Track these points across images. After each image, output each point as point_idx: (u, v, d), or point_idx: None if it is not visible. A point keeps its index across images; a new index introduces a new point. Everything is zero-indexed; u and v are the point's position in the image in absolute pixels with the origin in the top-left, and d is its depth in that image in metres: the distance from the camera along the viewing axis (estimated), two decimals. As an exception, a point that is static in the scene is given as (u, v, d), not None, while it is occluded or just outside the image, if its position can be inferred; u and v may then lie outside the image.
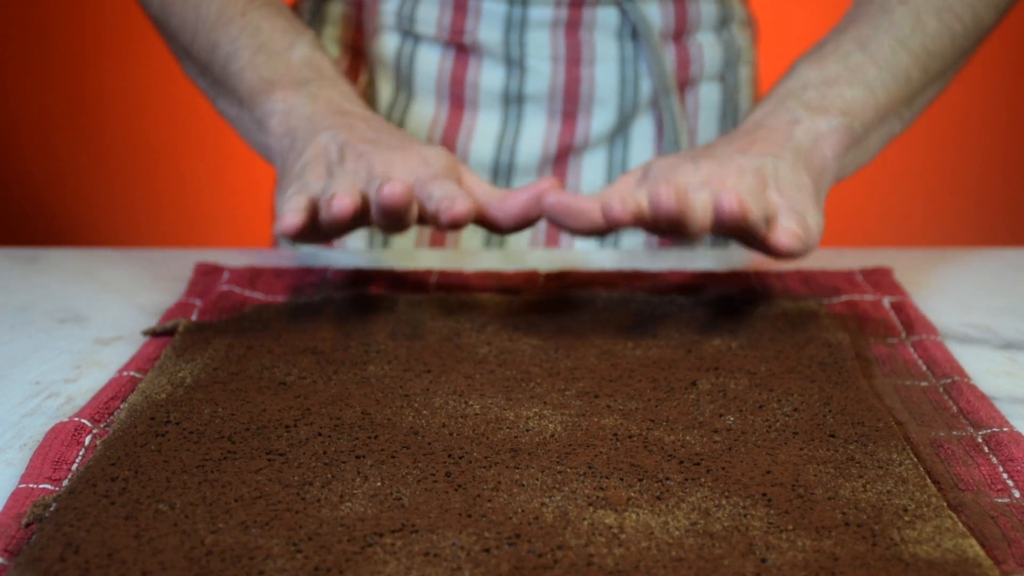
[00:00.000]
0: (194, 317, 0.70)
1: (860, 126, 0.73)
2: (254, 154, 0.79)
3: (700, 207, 0.62)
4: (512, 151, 0.95)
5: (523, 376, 0.58)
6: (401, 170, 0.68)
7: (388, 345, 0.62)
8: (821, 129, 0.72)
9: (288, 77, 0.77)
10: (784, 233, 0.64)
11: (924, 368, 0.62)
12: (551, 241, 0.97)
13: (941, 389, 0.59)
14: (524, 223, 0.68)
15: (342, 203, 0.64)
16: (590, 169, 0.96)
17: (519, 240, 0.97)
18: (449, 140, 0.96)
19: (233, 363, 0.60)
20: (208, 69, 0.81)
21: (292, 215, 0.64)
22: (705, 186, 0.64)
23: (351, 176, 0.67)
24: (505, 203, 0.67)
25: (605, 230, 0.64)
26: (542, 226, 0.97)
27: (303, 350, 0.61)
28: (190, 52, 0.82)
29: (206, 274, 0.77)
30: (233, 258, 0.85)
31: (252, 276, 0.77)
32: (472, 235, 0.98)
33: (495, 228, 0.68)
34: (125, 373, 0.60)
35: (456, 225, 0.65)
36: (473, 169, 0.96)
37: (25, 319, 0.73)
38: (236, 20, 0.79)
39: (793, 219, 0.64)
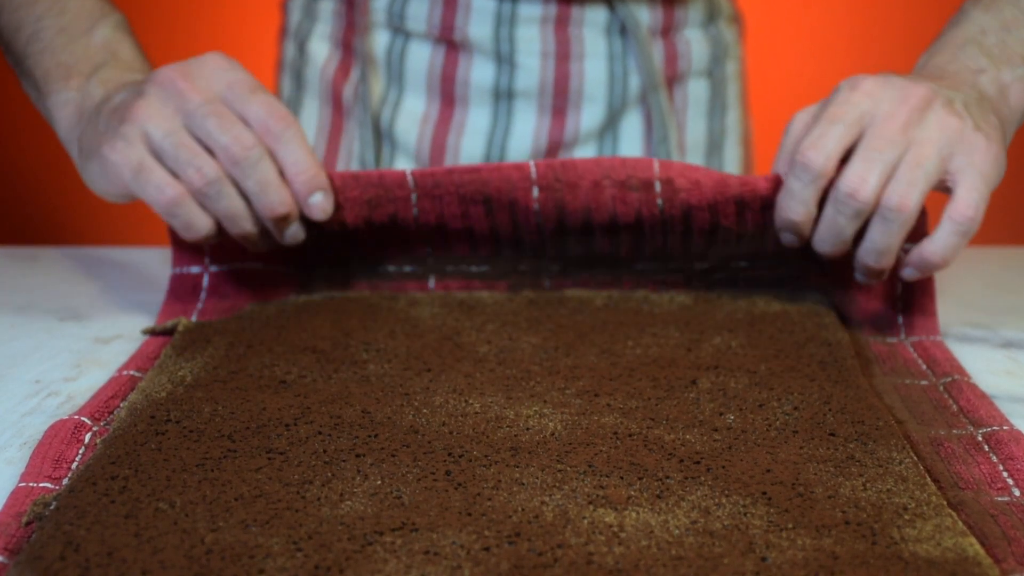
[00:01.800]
0: (194, 317, 0.70)
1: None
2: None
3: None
4: (503, 147, 0.96)
5: (523, 375, 0.58)
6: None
7: (388, 344, 0.62)
8: (1005, 79, 0.69)
9: (84, 62, 0.73)
10: (911, 270, 0.65)
11: (924, 367, 0.62)
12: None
13: (941, 388, 0.59)
14: None
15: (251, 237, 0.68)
16: None
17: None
18: (440, 136, 0.96)
19: (233, 362, 0.59)
20: (11, 49, 0.76)
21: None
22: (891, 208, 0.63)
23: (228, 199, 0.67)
24: None
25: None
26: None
27: (303, 349, 0.61)
28: (1, 34, 0.77)
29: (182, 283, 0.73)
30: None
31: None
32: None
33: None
34: (125, 372, 0.60)
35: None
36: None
37: (25, 318, 0.73)
38: (43, 0, 0.75)
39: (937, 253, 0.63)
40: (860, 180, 0.63)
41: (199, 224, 0.66)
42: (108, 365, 0.64)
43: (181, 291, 0.71)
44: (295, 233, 0.69)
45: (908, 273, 0.65)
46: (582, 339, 0.64)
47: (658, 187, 0.67)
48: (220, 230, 0.68)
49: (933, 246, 0.63)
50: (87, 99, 0.71)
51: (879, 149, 0.63)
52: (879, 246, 0.63)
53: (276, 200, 0.67)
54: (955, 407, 0.56)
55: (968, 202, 0.62)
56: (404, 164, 0.98)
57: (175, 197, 0.66)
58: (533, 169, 0.68)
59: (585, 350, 0.62)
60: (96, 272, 0.83)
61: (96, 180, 0.69)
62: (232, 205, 0.67)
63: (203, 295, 0.71)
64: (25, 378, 0.62)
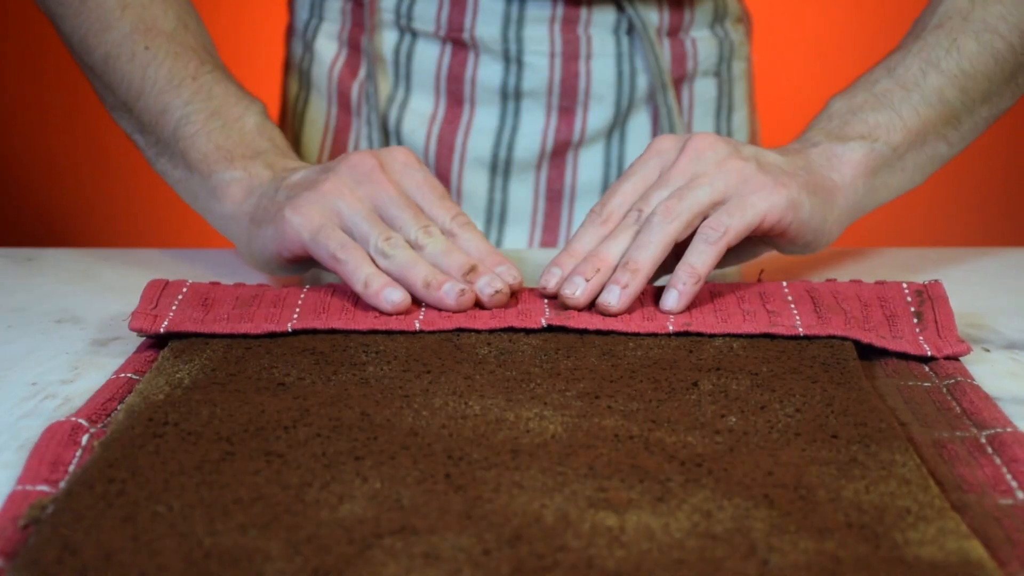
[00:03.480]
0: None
1: (886, 147, 0.74)
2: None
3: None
4: (510, 146, 0.96)
5: (523, 377, 0.58)
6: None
7: (387, 346, 0.62)
8: (837, 151, 0.74)
9: (244, 146, 0.77)
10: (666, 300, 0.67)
11: (927, 368, 0.61)
12: (548, 239, 0.98)
13: (944, 390, 0.58)
14: None
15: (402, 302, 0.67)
16: (587, 164, 0.97)
17: (517, 241, 0.97)
18: (447, 135, 0.96)
19: (231, 364, 0.59)
20: (153, 129, 0.80)
21: (396, 295, 0.67)
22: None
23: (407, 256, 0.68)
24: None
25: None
26: (539, 221, 0.97)
27: (302, 351, 0.61)
28: (133, 109, 0.80)
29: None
30: (229, 259, 0.85)
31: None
32: (472, 215, 0.98)
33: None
34: (122, 375, 0.60)
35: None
36: (471, 164, 0.96)
37: (22, 319, 0.73)
38: (188, 84, 0.79)
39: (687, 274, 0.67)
40: (621, 193, 0.71)
41: (366, 267, 0.67)
42: (105, 367, 0.64)
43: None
44: (491, 283, 0.67)
45: (673, 291, 0.67)
46: (582, 341, 0.63)
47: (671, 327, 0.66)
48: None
49: (687, 255, 0.67)
50: (255, 178, 0.75)
51: (657, 187, 0.70)
52: (639, 240, 0.67)
53: (461, 258, 0.68)
54: (958, 409, 0.56)
55: (719, 219, 0.67)
56: None
57: (350, 245, 0.68)
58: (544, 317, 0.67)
59: (586, 352, 0.62)
60: (93, 274, 0.83)
61: (266, 244, 0.72)
62: (414, 256, 0.68)
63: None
64: (22, 380, 0.62)
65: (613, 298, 0.66)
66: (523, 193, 0.97)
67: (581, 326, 0.64)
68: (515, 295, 0.69)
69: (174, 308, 0.67)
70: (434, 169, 0.97)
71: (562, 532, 0.43)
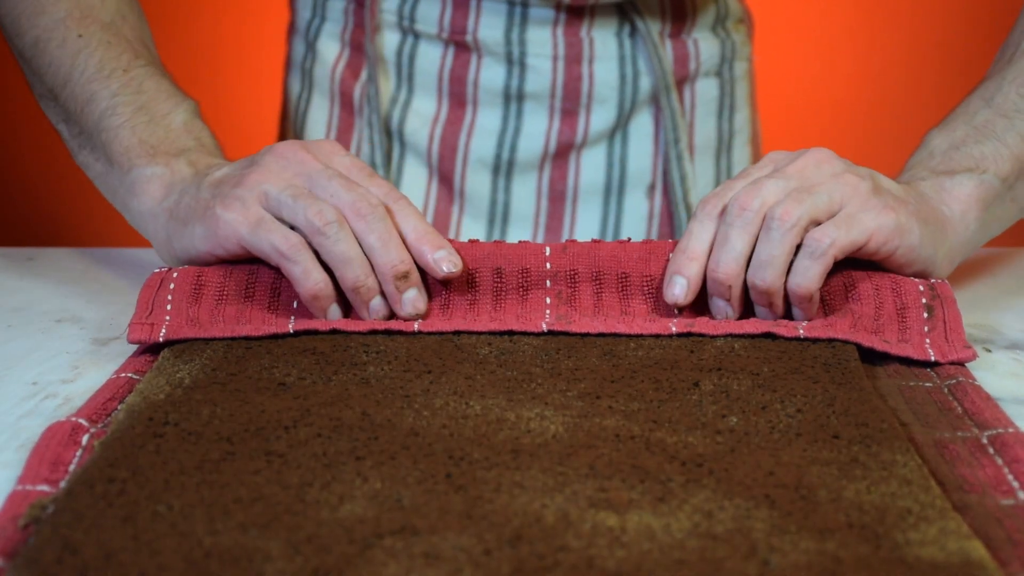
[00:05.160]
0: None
1: (995, 178, 0.72)
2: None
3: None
4: (513, 147, 0.95)
5: (524, 377, 0.58)
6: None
7: (388, 345, 0.62)
8: (946, 184, 0.72)
9: (168, 143, 0.74)
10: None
11: (928, 369, 0.61)
12: (551, 239, 0.98)
13: (946, 390, 0.58)
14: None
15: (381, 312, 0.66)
16: (589, 165, 0.97)
17: (522, 221, 0.98)
18: (450, 136, 0.96)
19: (232, 364, 0.59)
20: (78, 119, 0.77)
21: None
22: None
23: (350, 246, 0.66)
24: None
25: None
26: (542, 222, 0.98)
27: (302, 351, 0.61)
28: (59, 97, 0.78)
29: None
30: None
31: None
32: (473, 230, 0.98)
33: None
34: (123, 374, 0.60)
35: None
36: (474, 165, 0.96)
37: (22, 319, 0.73)
38: (118, 75, 0.76)
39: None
40: (748, 197, 0.66)
41: (315, 274, 0.65)
42: (106, 367, 0.64)
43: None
44: (415, 301, 0.66)
45: (796, 313, 0.66)
46: (583, 341, 0.63)
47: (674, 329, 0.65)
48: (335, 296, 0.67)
49: (792, 276, 0.65)
50: (176, 175, 0.72)
51: (774, 177, 0.67)
52: (761, 256, 0.64)
53: (397, 256, 0.65)
54: (960, 409, 0.56)
55: (824, 231, 0.64)
56: (414, 165, 0.98)
57: (296, 244, 0.65)
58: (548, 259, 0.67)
59: (587, 352, 0.62)
60: (94, 273, 0.83)
61: (194, 243, 0.68)
62: (351, 248, 0.65)
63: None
64: (22, 380, 0.62)
65: (729, 313, 0.66)
66: (525, 194, 0.97)
67: (583, 331, 0.64)
68: (518, 293, 0.68)
69: (169, 309, 0.66)
70: (436, 170, 0.97)
71: (563, 532, 0.43)
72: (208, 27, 2.29)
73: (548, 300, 0.68)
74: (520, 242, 0.69)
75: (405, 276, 0.66)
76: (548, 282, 0.67)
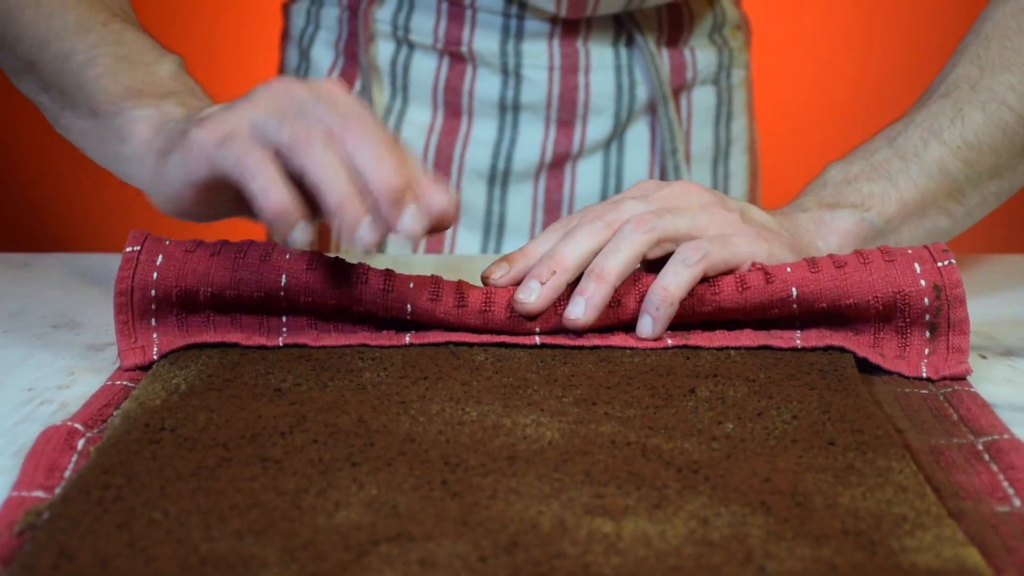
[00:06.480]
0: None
1: (878, 218, 0.71)
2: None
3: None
4: (508, 158, 0.95)
5: (520, 383, 0.58)
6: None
7: (384, 352, 0.62)
8: (826, 218, 0.71)
9: (155, 87, 0.69)
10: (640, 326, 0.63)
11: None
12: None
13: (941, 397, 0.58)
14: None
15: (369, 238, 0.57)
16: (585, 175, 0.97)
17: (517, 231, 0.97)
18: (445, 146, 0.96)
19: (228, 369, 0.59)
20: (57, 80, 0.72)
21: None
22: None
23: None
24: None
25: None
26: (538, 229, 0.98)
27: (298, 357, 0.61)
28: (36, 62, 0.72)
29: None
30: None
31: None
32: (468, 240, 0.98)
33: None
34: (118, 382, 0.60)
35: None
36: (469, 175, 0.96)
37: (18, 324, 0.73)
38: (96, 28, 0.71)
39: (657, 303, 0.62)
40: (604, 209, 0.65)
41: (280, 187, 0.56)
42: (102, 373, 0.64)
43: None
44: (414, 215, 0.56)
45: (641, 323, 0.63)
46: (579, 347, 0.63)
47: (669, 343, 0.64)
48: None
49: (661, 277, 0.63)
50: (166, 115, 0.66)
51: (636, 199, 0.66)
52: (606, 248, 0.63)
53: (393, 171, 0.56)
54: (955, 416, 0.56)
55: (698, 243, 0.63)
56: None
57: (260, 156, 0.57)
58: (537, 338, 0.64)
59: (583, 358, 0.62)
60: (89, 279, 0.83)
61: (173, 175, 0.61)
62: (337, 162, 0.56)
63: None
64: (18, 385, 0.62)
65: (579, 310, 0.62)
66: (521, 204, 0.97)
67: (577, 344, 0.63)
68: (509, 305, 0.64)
69: (154, 324, 0.63)
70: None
71: (559, 539, 0.43)
72: (205, 31, 2.29)
73: (538, 329, 0.64)
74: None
75: (402, 198, 0.56)
76: (537, 335, 0.64)
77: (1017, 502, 0.47)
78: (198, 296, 0.63)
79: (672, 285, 0.62)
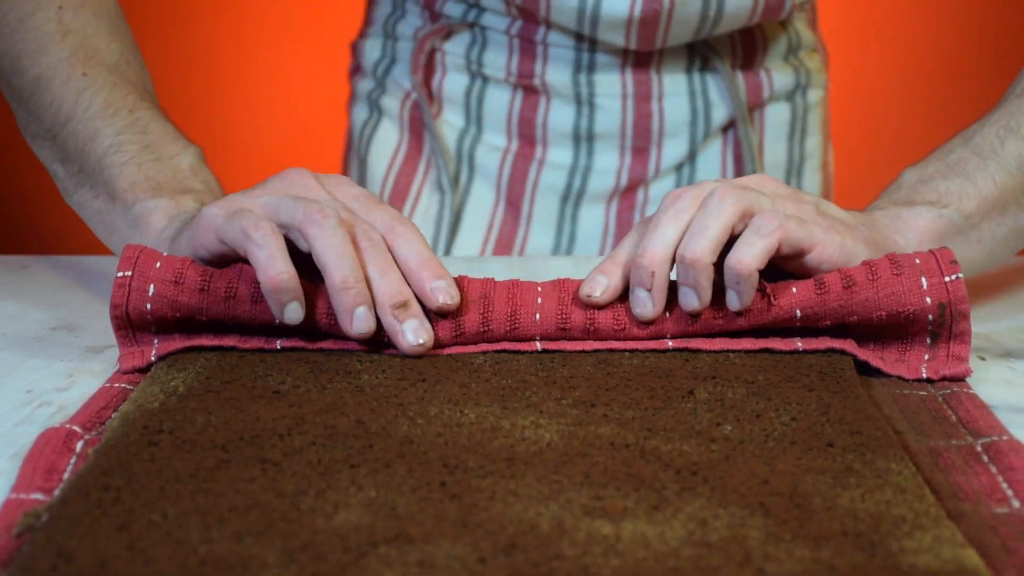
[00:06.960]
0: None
1: (957, 214, 0.70)
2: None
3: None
4: (584, 181, 0.97)
5: (519, 385, 0.58)
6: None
7: (382, 354, 0.62)
8: (903, 214, 0.70)
9: (176, 182, 0.72)
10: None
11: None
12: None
13: (940, 398, 0.58)
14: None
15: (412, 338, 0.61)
16: (659, 197, 0.97)
17: (588, 246, 0.98)
18: (520, 167, 0.97)
19: (226, 371, 0.59)
20: (78, 157, 0.74)
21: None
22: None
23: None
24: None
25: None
26: (609, 241, 0.98)
27: (296, 359, 0.61)
28: (58, 136, 0.75)
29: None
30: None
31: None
32: (540, 242, 0.97)
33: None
34: (116, 384, 0.60)
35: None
36: (543, 193, 0.97)
37: (17, 327, 0.73)
38: (123, 114, 0.74)
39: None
40: (683, 190, 0.64)
41: (281, 263, 0.59)
42: (100, 375, 0.64)
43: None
44: (416, 330, 0.61)
45: (730, 298, 0.62)
46: (580, 351, 0.63)
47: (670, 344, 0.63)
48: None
49: (734, 251, 0.61)
50: (181, 207, 0.70)
51: (714, 182, 0.65)
52: (693, 227, 0.61)
53: (395, 286, 0.61)
54: (954, 417, 0.56)
55: (775, 214, 0.62)
56: (481, 186, 0.98)
57: (268, 230, 0.60)
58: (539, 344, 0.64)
59: (581, 360, 0.62)
60: (88, 281, 0.83)
61: (180, 249, 0.65)
62: (346, 245, 0.60)
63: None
64: (17, 388, 0.62)
65: (694, 302, 0.61)
66: (592, 224, 0.98)
67: (577, 349, 0.63)
68: (509, 309, 0.64)
69: (153, 331, 0.63)
70: (506, 194, 0.98)
71: (557, 540, 0.43)
72: (205, 31, 2.29)
73: (537, 316, 0.63)
74: (512, 281, 0.65)
75: (404, 305, 0.61)
76: (538, 341, 0.64)
77: (1016, 503, 0.47)
78: (194, 320, 0.63)
79: (748, 256, 0.60)
